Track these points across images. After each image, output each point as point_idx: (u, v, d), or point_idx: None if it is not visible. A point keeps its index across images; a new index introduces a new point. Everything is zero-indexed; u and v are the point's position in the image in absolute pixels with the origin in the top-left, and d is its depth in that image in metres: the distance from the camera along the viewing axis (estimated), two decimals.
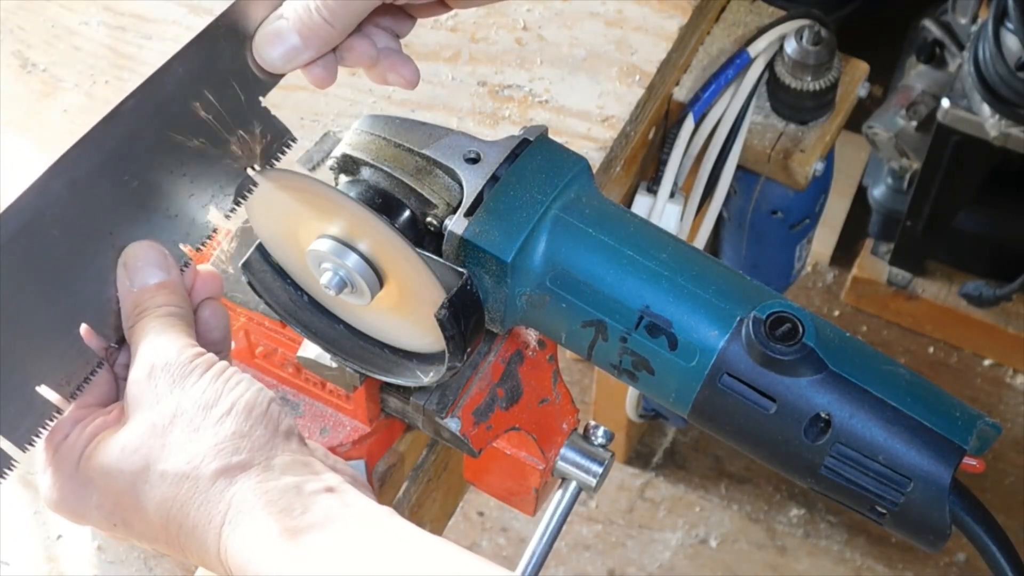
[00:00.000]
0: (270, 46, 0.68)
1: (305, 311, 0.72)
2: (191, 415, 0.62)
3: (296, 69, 0.69)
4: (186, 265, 0.68)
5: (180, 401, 0.63)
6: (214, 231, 0.69)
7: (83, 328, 0.65)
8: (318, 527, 0.61)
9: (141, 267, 0.66)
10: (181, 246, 0.68)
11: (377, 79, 0.72)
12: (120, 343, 0.67)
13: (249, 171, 0.68)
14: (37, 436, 0.64)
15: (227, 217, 0.69)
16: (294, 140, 0.70)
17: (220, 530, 0.61)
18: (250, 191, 0.68)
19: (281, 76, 0.70)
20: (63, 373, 0.65)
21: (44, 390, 0.64)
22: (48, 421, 0.65)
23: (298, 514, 0.61)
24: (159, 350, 0.64)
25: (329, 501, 0.62)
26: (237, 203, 0.68)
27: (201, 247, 0.69)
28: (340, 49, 0.69)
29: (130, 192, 0.66)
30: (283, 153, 0.69)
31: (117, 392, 0.68)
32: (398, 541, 0.62)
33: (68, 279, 0.65)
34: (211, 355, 0.65)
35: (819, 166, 1.19)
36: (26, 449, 0.65)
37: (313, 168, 0.91)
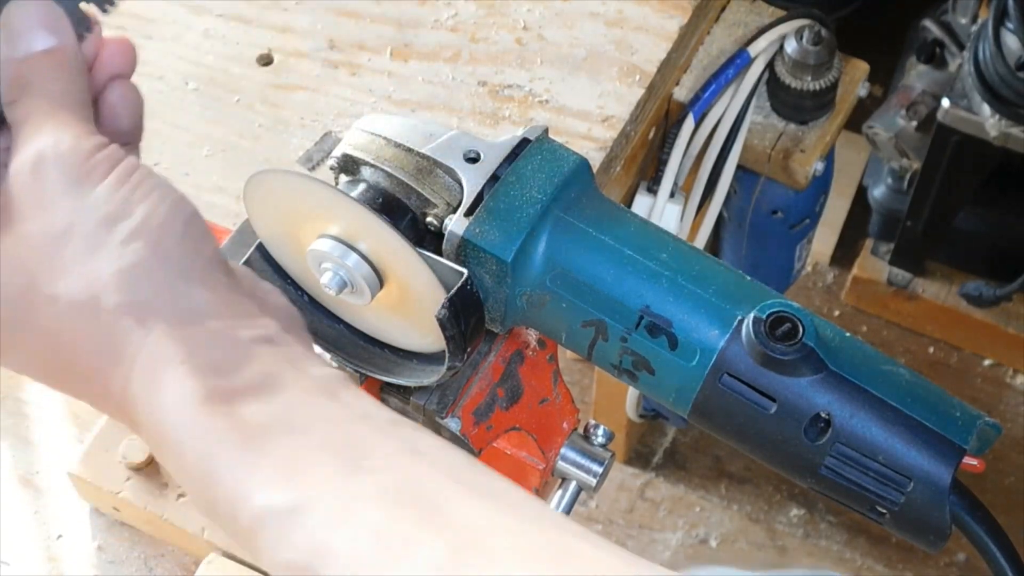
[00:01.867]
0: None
1: (305, 311, 0.72)
2: (90, 229, 0.50)
3: None
4: (88, 30, 0.55)
5: (76, 208, 0.50)
6: None
7: None
8: (256, 392, 0.49)
9: (24, 29, 0.53)
10: (82, 5, 0.55)
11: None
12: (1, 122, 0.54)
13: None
14: None
15: None
16: None
17: (126, 384, 0.50)
18: None
19: None
20: None
21: None
22: None
23: (230, 371, 0.49)
24: (48, 138, 0.51)
25: (267, 356, 0.50)
26: None
27: (108, 7, 0.57)
28: None
29: None
30: None
31: None
32: (355, 422, 0.50)
33: None
34: (116, 148, 0.52)
35: (819, 166, 1.19)
36: None
37: (313, 168, 0.91)
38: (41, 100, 0.53)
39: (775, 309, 0.62)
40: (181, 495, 0.79)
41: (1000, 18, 1.52)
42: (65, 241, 0.50)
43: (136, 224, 0.50)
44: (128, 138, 0.56)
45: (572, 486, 0.77)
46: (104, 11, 0.57)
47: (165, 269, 0.50)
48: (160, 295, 0.50)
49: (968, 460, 0.62)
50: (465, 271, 0.65)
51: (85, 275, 0.50)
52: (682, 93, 1.11)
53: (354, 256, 0.66)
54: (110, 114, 0.56)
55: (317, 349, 0.72)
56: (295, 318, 0.55)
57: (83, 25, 0.55)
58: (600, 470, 0.76)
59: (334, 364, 0.72)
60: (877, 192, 1.93)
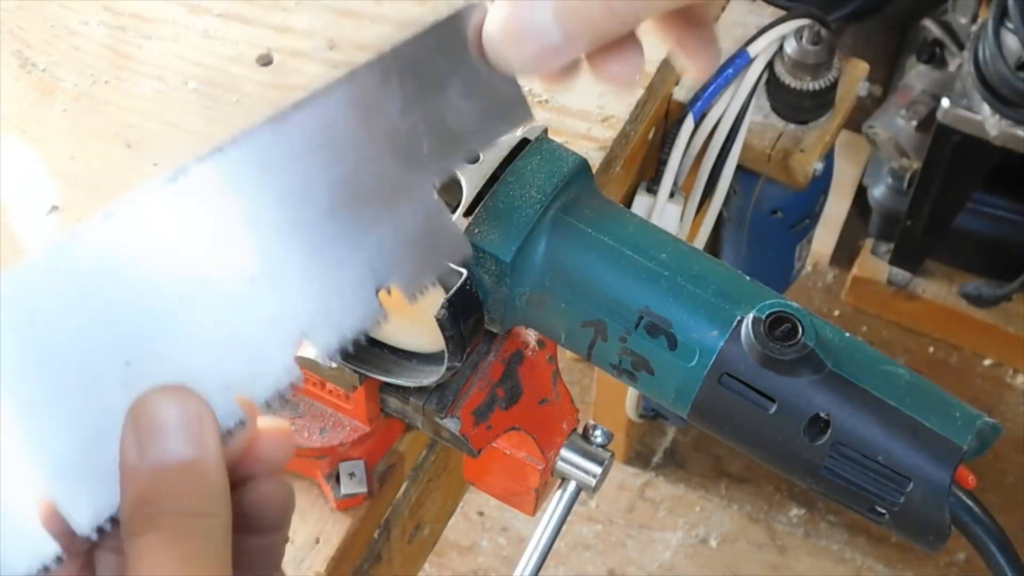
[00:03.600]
0: (516, 42, 0.46)
1: None
2: None
3: (542, 74, 0.48)
4: (240, 423, 0.45)
5: None
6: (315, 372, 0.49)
7: (42, 504, 0.42)
8: None
9: (159, 427, 0.41)
10: (237, 399, 0.45)
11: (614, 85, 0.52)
12: (104, 531, 0.44)
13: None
14: None
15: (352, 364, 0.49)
16: None
17: None
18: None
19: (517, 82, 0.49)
20: None
21: None
22: None
23: None
24: None
25: None
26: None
27: (277, 401, 0.46)
28: (595, 55, 0.48)
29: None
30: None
31: None
32: None
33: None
34: None
35: (819, 166, 1.19)
36: None
37: None
38: (167, 532, 0.41)
39: (774, 309, 0.62)
40: None
41: (1000, 18, 1.52)
42: None
43: None
44: (270, 539, 0.46)
45: (571, 486, 0.77)
46: (267, 407, 0.47)
47: None
48: None
49: (963, 475, 0.62)
50: (464, 271, 0.65)
51: None
52: (682, 93, 1.11)
53: None
54: (253, 510, 0.45)
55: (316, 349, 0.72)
56: None
57: (235, 418, 0.45)
58: (599, 470, 0.76)
59: (333, 364, 0.72)
60: (877, 192, 1.93)
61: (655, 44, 1.01)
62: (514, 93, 0.51)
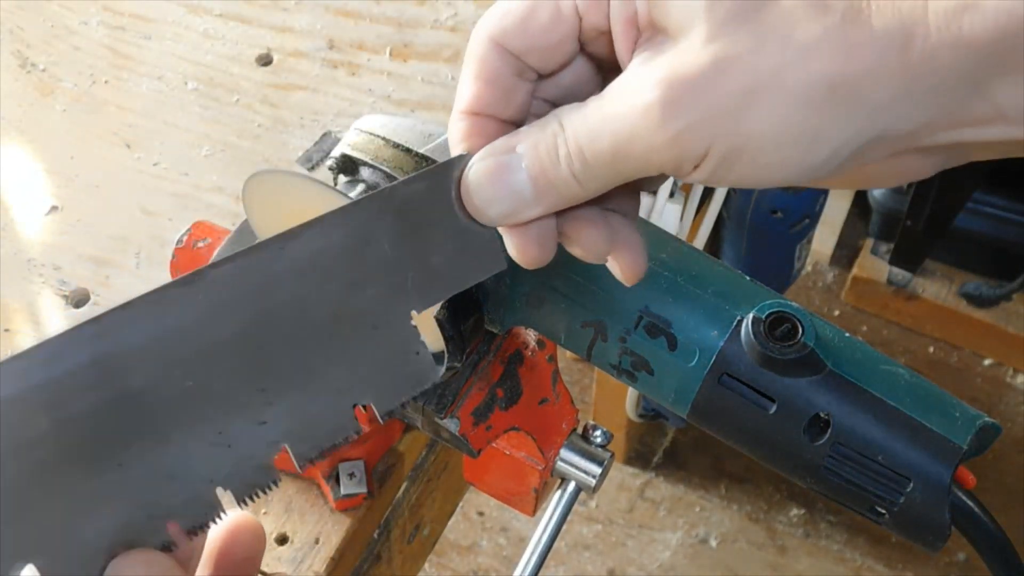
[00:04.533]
0: (489, 187, 0.51)
1: None
2: None
3: (508, 225, 0.52)
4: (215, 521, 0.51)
5: None
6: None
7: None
8: None
9: None
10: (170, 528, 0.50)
11: (589, 258, 0.56)
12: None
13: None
14: None
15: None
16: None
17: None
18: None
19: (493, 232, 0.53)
20: None
21: None
22: None
23: None
24: None
25: None
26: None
27: (254, 498, 0.52)
28: (564, 226, 0.53)
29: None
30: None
31: None
32: None
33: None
34: None
35: None
36: None
37: (312, 168, 0.91)
38: None
39: (774, 309, 0.62)
40: None
41: None
42: None
43: None
44: None
45: (571, 486, 0.77)
46: (191, 533, 0.51)
47: None
48: None
49: (963, 475, 0.62)
50: None
51: None
52: None
53: None
54: None
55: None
56: None
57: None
58: (599, 471, 0.76)
59: None
60: (877, 192, 1.93)
61: None
62: (490, 242, 0.55)
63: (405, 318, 0.54)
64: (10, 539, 0.47)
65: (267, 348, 0.51)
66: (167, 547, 0.50)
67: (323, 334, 0.52)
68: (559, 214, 0.53)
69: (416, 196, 0.53)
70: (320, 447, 0.53)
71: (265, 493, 0.52)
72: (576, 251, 0.54)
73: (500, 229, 0.53)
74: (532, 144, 0.50)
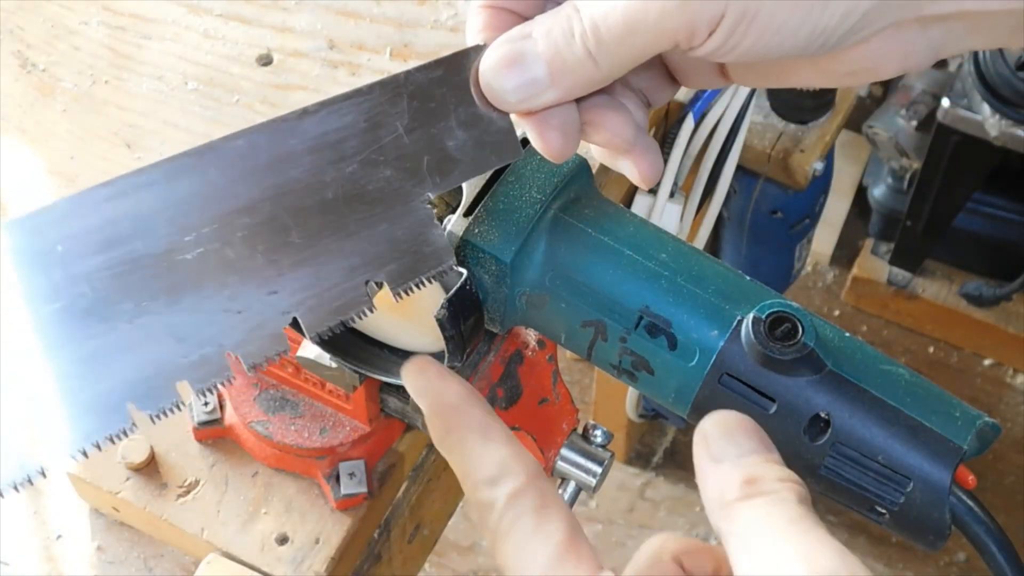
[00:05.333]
0: (504, 72, 0.52)
1: None
2: None
3: (528, 111, 0.53)
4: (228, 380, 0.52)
5: None
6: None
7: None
8: None
9: None
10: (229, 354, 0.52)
11: (605, 159, 0.57)
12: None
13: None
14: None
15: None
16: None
17: None
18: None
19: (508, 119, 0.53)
20: None
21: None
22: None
23: None
24: None
25: None
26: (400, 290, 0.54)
27: (264, 365, 0.52)
28: (588, 114, 0.53)
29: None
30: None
31: None
32: None
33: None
34: None
35: (819, 166, 1.19)
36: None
37: None
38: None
39: (774, 309, 0.62)
40: (181, 495, 0.79)
41: None
42: None
43: None
44: None
45: (571, 486, 0.77)
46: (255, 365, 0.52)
47: None
48: None
49: (963, 475, 0.62)
50: (464, 271, 0.65)
51: None
52: (682, 93, 1.11)
53: None
54: None
55: (316, 349, 0.72)
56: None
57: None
58: (599, 470, 0.76)
59: (333, 364, 0.72)
60: (877, 192, 1.93)
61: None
62: (507, 131, 0.55)
63: (420, 200, 0.54)
64: (25, 391, 0.49)
65: (280, 220, 0.52)
66: (177, 406, 0.50)
67: (337, 211, 0.53)
68: (580, 103, 0.53)
69: (432, 83, 0.54)
70: (331, 320, 0.53)
71: (275, 360, 0.52)
72: (600, 139, 0.54)
73: (522, 120, 0.53)
74: (546, 28, 0.50)
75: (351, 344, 0.72)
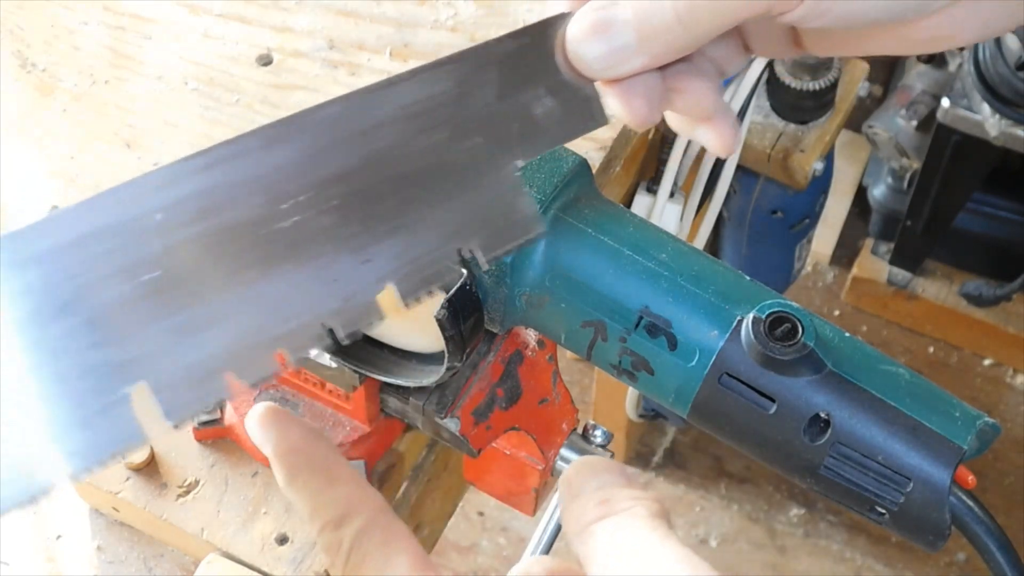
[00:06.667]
0: (592, 39, 0.51)
1: None
2: None
3: (614, 78, 0.52)
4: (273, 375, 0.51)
5: None
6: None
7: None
8: None
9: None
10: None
11: (682, 128, 0.56)
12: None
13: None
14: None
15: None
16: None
17: None
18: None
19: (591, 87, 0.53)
20: None
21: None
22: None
23: None
24: None
25: None
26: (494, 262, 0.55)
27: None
28: (671, 81, 0.53)
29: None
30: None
31: None
32: None
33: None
34: None
35: (819, 166, 1.19)
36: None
37: None
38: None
39: (774, 309, 0.62)
40: (181, 495, 0.79)
41: None
42: None
43: None
44: None
45: None
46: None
47: None
48: None
49: (963, 475, 0.62)
50: (464, 271, 0.65)
51: None
52: None
53: None
54: None
55: (315, 350, 0.72)
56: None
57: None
58: None
59: (333, 364, 0.72)
60: (877, 192, 1.93)
61: None
62: (592, 99, 0.55)
63: (510, 167, 0.54)
64: (121, 359, 0.48)
65: (371, 190, 0.52)
66: (274, 374, 0.50)
67: (427, 179, 0.53)
68: (664, 70, 0.53)
69: (518, 52, 0.54)
70: (424, 287, 0.52)
71: (370, 327, 0.52)
72: (683, 106, 0.54)
73: (606, 87, 0.53)
74: None
75: (350, 344, 0.72)
